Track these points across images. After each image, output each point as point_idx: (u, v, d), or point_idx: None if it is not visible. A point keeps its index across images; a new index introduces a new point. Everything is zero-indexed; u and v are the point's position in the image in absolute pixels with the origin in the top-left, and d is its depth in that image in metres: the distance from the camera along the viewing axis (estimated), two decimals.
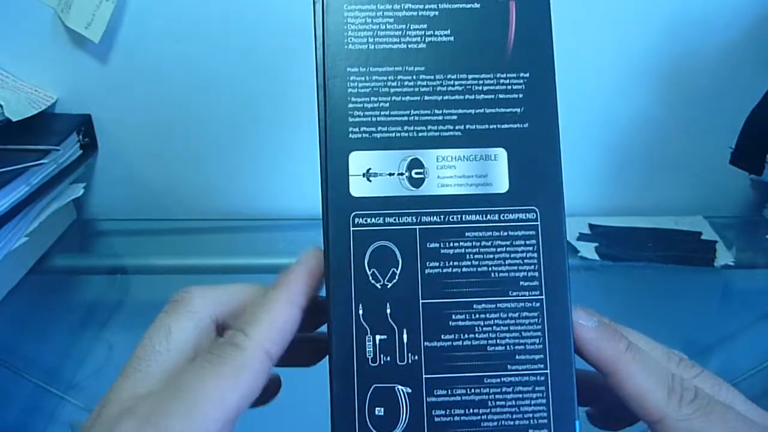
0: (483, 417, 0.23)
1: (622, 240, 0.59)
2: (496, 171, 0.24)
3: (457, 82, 0.25)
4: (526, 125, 0.25)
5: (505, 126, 0.25)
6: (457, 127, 0.25)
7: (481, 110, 0.25)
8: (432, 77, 0.25)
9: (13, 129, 0.54)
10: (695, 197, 0.65)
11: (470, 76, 0.25)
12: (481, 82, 0.25)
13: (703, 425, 0.21)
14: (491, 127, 0.25)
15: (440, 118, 0.25)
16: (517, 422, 0.23)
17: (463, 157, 0.25)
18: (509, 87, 0.25)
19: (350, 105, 0.25)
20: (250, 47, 0.58)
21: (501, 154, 0.25)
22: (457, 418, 0.23)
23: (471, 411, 0.23)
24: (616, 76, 0.60)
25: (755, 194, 0.65)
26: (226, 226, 0.65)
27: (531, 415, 0.23)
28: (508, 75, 0.25)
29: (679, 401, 0.22)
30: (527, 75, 0.25)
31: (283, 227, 0.64)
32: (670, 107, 0.61)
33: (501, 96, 0.25)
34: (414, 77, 0.25)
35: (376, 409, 0.23)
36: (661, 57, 0.59)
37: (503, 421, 0.23)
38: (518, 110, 0.25)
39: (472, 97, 0.25)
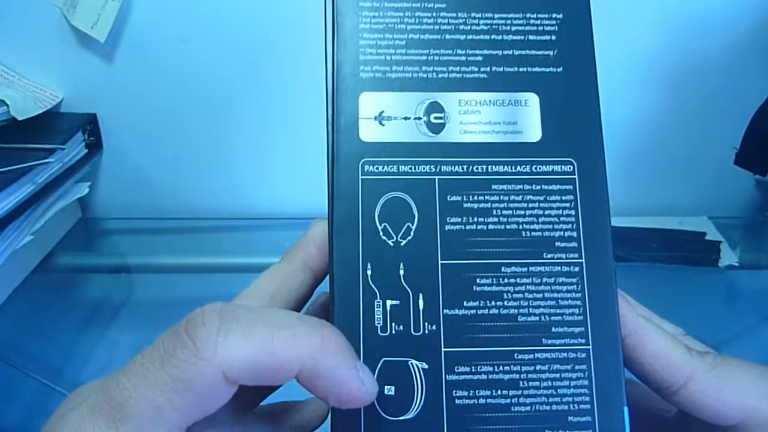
0: (513, 400, 0.20)
1: (626, 240, 0.59)
2: (527, 118, 0.22)
3: (482, 21, 0.22)
4: (560, 69, 0.22)
5: (537, 69, 0.22)
6: (482, 69, 0.22)
7: (510, 52, 0.22)
8: (454, 15, 0.22)
9: (19, 128, 0.54)
10: (699, 197, 0.65)
11: (497, 15, 0.23)
12: (509, 21, 0.23)
13: (730, 370, 0.20)
14: (521, 70, 0.22)
15: (463, 58, 0.22)
16: (554, 407, 0.20)
17: (489, 101, 0.22)
18: (540, 28, 0.23)
19: (362, 42, 0.22)
20: (256, 47, 0.58)
21: (532, 99, 0.22)
22: (482, 401, 0.20)
23: (499, 392, 0.20)
24: (620, 76, 0.60)
25: (760, 195, 0.65)
26: (232, 225, 0.65)
27: (570, 399, 0.20)
28: (539, 15, 0.23)
29: (700, 354, 0.20)
30: (560, 16, 0.23)
31: (290, 226, 0.64)
32: (675, 107, 0.61)
33: (531, 37, 0.23)
34: (434, 14, 0.22)
35: (386, 387, 0.20)
36: (666, 57, 0.59)
37: (537, 406, 0.20)
38: (551, 53, 0.22)
39: (499, 37, 0.22)
